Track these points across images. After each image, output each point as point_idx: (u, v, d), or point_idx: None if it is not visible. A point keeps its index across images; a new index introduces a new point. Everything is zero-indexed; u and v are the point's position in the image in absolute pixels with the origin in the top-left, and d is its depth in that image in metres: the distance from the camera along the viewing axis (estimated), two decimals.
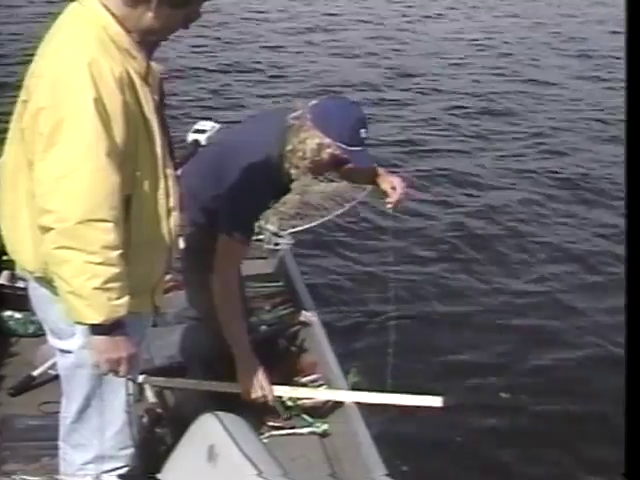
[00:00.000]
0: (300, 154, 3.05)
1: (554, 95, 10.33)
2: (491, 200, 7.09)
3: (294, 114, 3.10)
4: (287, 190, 3.34)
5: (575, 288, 5.71)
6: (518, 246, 6.30)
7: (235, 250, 3.17)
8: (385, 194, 3.37)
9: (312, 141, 3.02)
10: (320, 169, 3.17)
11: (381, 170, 3.41)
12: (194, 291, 3.40)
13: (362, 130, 3.06)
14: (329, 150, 3.03)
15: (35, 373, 3.34)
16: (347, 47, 12.26)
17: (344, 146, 3.03)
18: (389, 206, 3.36)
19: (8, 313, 3.70)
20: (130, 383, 2.46)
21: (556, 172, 7.77)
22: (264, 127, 3.24)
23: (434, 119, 9.14)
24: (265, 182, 3.11)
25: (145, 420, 3.12)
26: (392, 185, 3.35)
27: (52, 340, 2.56)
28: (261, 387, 3.13)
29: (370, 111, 8.05)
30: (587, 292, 5.65)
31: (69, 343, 2.45)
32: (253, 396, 3.12)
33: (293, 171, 3.11)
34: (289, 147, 3.07)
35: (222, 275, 3.14)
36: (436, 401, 3.23)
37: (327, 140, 3.02)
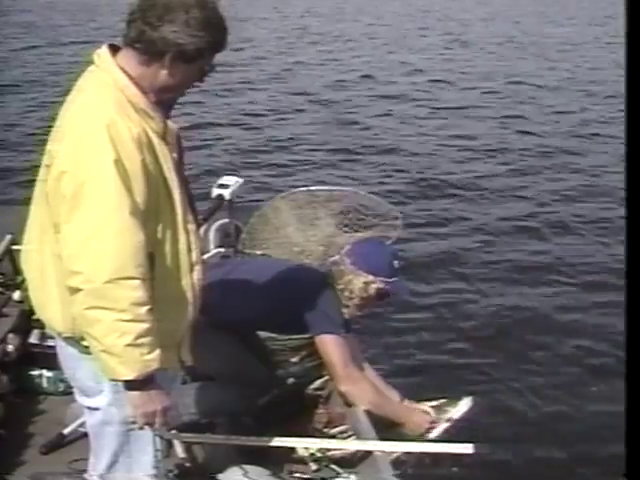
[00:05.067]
0: (347, 294, 3.39)
1: None
2: None
3: (332, 259, 3.47)
4: None
5: None
6: None
7: (337, 344, 3.29)
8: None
9: (358, 280, 3.37)
10: (367, 304, 3.48)
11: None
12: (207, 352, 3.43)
13: (395, 262, 3.45)
14: (374, 285, 3.39)
15: (66, 431, 3.35)
16: None
17: (386, 279, 3.38)
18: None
19: (38, 372, 3.72)
20: (158, 439, 2.48)
21: None
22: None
23: None
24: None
25: (174, 474, 3.11)
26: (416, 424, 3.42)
27: (80, 398, 2.59)
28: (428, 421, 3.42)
29: None
30: None
31: (96, 400, 2.47)
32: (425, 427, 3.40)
33: (344, 310, 3.39)
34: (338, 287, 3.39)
35: (347, 379, 3.31)
36: (467, 448, 3.20)
37: (371, 277, 3.37)
